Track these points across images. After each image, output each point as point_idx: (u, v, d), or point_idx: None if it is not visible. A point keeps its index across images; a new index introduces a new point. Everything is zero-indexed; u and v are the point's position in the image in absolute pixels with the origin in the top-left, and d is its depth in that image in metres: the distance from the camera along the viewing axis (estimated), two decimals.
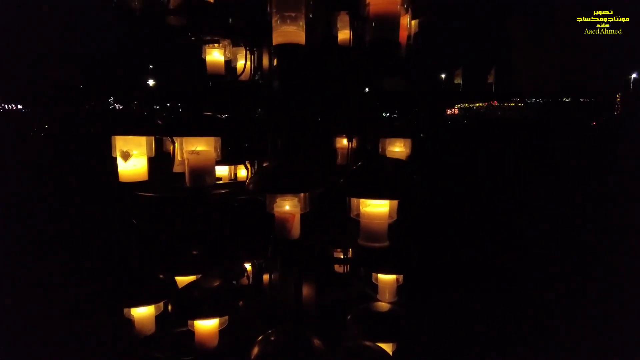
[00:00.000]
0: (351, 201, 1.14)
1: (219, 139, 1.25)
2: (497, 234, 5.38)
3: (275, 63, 1.33)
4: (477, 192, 7.77)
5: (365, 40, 1.06)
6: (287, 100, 1.34)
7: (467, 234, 5.29)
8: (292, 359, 1.21)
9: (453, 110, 40.30)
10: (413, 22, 1.61)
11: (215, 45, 1.72)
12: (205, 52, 1.73)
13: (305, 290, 1.52)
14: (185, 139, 1.22)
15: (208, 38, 1.65)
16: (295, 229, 1.19)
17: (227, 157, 1.71)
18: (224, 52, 1.75)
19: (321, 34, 1.32)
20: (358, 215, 1.13)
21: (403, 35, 1.28)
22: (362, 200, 1.11)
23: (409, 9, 1.27)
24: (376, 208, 1.10)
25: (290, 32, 1.10)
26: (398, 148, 1.62)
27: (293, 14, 1.09)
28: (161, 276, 1.46)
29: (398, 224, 1.51)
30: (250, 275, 1.90)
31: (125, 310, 1.38)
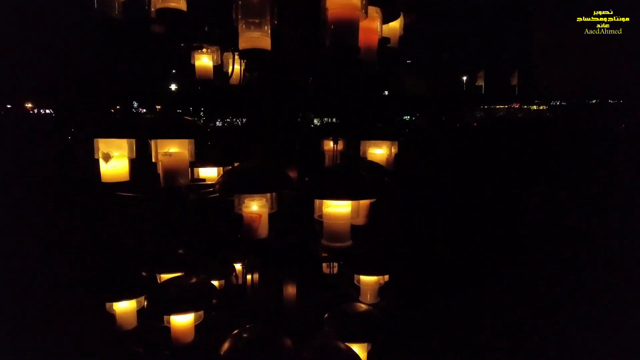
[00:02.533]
0: (315, 202, 1.16)
1: (192, 141, 1.30)
2: (499, 237, 5.30)
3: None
4: (484, 195, 7.64)
5: (325, 45, 1.08)
6: (261, 104, 1.38)
7: (467, 237, 5.22)
8: (260, 355, 1.23)
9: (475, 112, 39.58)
10: (397, 25, 1.63)
11: (203, 50, 1.78)
12: (194, 58, 1.80)
13: (286, 290, 1.55)
14: (159, 141, 1.26)
15: (195, 45, 1.71)
16: (262, 229, 1.22)
17: (216, 158, 1.78)
18: (212, 57, 1.81)
19: (298, 37, 1.36)
20: (321, 216, 1.16)
21: (373, 39, 1.29)
22: (324, 202, 1.13)
23: (379, 14, 1.29)
24: (337, 209, 1.12)
25: (254, 37, 1.13)
26: (378, 150, 1.63)
27: (257, 21, 1.13)
28: (143, 273, 1.52)
29: (380, 226, 1.53)
30: (239, 275, 1.95)
31: (108, 305, 1.44)
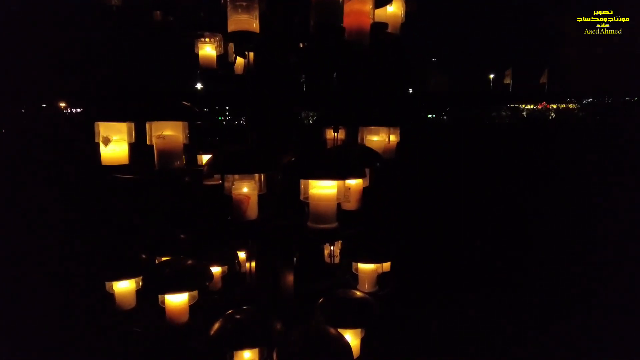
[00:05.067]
0: (300, 184, 1.16)
1: (186, 124, 1.32)
2: (505, 236, 5.18)
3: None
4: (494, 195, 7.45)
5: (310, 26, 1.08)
6: (255, 90, 1.40)
7: (478, 237, 5.12)
8: (247, 336, 1.25)
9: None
10: (398, 11, 1.61)
11: (206, 40, 1.81)
12: (197, 47, 1.83)
13: (281, 274, 1.56)
14: (154, 125, 1.29)
15: (198, 32, 1.74)
16: (251, 211, 1.23)
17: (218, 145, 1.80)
18: (216, 46, 1.83)
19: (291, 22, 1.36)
20: (307, 198, 1.16)
21: (365, 21, 1.28)
22: (310, 183, 1.13)
23: None
24: (322, 190, 1.12)
25: (242, 20, 1.15)
26: (376, 137, 1.61)
27: (244, 3, 1.14)
28: (143, 256, 1.56)
29: (373, 212, 1.52)
30: (242, 263, 1.98)
31: (107, 285, 1.48)
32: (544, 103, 37.18)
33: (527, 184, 8.54)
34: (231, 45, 1.85)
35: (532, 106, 37.89)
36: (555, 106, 37.09)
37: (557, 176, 9.40)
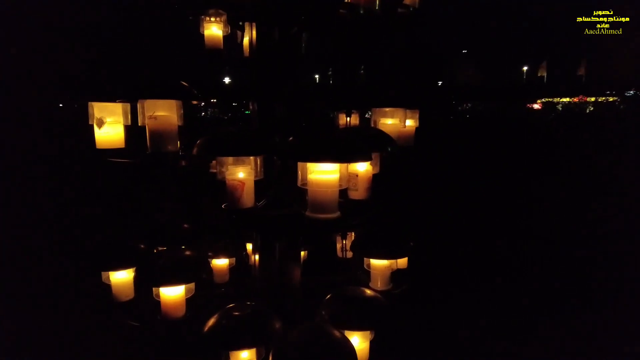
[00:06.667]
0: (298, 168, 1.04)
1: (180, 104, 1.22)
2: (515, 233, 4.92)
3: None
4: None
5: None
6: (254, 66, 1.28)
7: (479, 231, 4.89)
8: (241, 334, 1.15)
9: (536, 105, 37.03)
10: None
11: (213, 19, 1.71)
12: (203, 27, 1.73)
13: (288, 270, 1.45)
14: (146, 104, 1.20)
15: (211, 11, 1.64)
16: (246, 198, 1.12)
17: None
18: (222, 27, 1.73)
19: None
20: (305, 184, 1.03)
21: None
22: (308, 167, 1.01)
23: None
24: (322, 175, 0.99)
25: None
26: (391, 120, 1.47)
27: None
28: (142, 246, 1.48)
29: (384, 202, 1.38)
30: (250, 254, 1.89)
31: (104, 275, 1.41)
32: (581, 96, 35.46)
33: (552, 179, 8.14)
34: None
35: (568, 99, 36.21)
36: (593, 99, 35.29)
37: (585, 172, 8.88)
